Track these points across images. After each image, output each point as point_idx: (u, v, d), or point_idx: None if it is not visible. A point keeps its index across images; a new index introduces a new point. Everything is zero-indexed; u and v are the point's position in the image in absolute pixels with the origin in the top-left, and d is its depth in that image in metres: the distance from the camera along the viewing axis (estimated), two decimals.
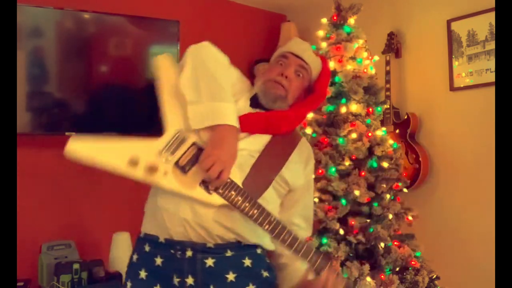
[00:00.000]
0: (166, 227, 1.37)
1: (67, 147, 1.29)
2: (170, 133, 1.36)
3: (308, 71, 1.58)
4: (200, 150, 1.34)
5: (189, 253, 1.36)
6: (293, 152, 1.51)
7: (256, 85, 1.55)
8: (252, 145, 1.44)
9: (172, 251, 1.37)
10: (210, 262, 1.36)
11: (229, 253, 1.39)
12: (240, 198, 1.31)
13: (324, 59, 1.65)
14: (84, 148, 1.32)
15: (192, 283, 1.36)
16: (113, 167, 1.30)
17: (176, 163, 1.33)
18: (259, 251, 1.45)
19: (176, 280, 1.37)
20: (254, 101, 1.52)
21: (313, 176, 1.63)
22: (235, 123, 1.34)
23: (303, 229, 1.57)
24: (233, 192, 1.31)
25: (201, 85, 1.36)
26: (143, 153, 1.31)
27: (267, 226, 1.31)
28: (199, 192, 1.31)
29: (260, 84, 1.53)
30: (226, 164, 1.29)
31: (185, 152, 1.34)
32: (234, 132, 1.34)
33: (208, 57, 1.43)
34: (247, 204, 1.31)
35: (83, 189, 3.03)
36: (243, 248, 1.41)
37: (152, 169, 1.29)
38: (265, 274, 1.45)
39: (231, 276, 1.37)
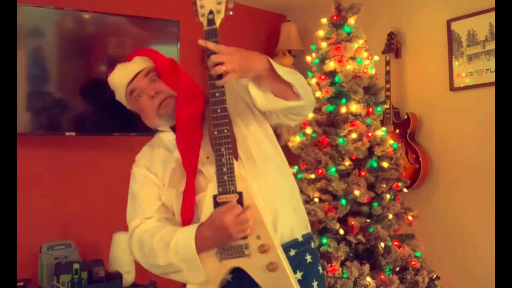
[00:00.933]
0: None
1: None
2: None
3: (149, 69, 1.56)
4: None
5: None
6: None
7: (159, 126, 1.55)
8: (204, 153, 1.46)
9: None
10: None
11: (292, 252, 1.45)
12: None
13: (135, 52, 1.62)
14: None
15: None
16: None
17: None
18: (312, 245, 1.54)
19: None
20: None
21: None
22: (192, 239, 1.35)
23: None
24: None
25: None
26: None
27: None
28: None
29: (157, 122, 1.53)
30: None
31: None
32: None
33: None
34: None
35: (83, 189, 3.03)
36: (301, 244, 1.48)
37: None
38: (320, 270, 1.54)
39: (298, 275, 1.43)
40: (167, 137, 1.55)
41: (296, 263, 1.43)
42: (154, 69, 1.57)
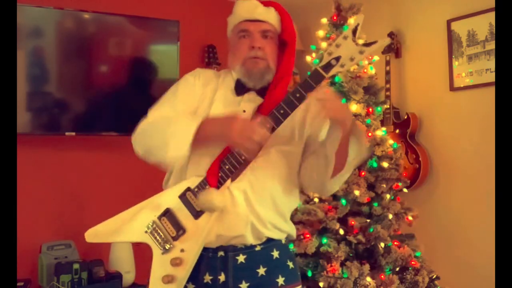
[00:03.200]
0: None
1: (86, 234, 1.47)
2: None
3: (271, 28, 1.52)
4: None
5: (220, 253, 1.41)
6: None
7: (235, 70, 1.51)
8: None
9: (203, 252, 1.40)
10: (241, 258, 1.41)
11: (258, 248, 1.43)
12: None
13: (276, 4, 1.57)
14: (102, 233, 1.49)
15: (224, 280, 1.39)
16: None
17: None
18: (283, 241, 1.50)
19: (208, 278, 1.40)
20: (239, 87, 1.50)
21: None
22: (197, 122, 1.36)
23: None
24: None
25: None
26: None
27: None
28: None
29: (238, 68, 1.49)
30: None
31: None
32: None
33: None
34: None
35: (83, 189, 3.03)
36: (270, 240, 1.46)
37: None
38: (291, 265, 1.49)
39: (261, 271, 1.42)
40: (226, 82, 1.53)
41: (260, 258, 1.43)
42: (277, 33, 1.54)
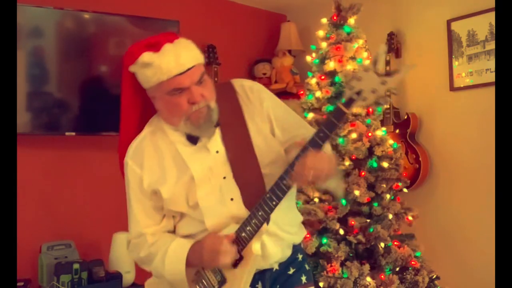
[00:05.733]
0: None
1: None
2: None
3: (202, 68, 1.40)
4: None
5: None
6: (242, 111, 1.46)
7: (178, 128, 1.42)
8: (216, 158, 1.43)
9: None
10: (275, 266, 1.52)
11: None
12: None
13: (174, 35, 1.47)
14: None
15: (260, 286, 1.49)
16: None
17: None
18: (302, 244, 1.66)
19: None
20: (191, 138, 1.43)
21: (268, 97, 1.52)
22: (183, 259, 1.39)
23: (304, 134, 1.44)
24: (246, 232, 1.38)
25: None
26: None
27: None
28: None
29: (182, 125, 1.39)
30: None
31: None
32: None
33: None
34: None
35: (83, 189, 3.03)
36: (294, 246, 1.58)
37: None
38: (307, 266, 1.63)
39: (291, 271, 1.55)
40: (175, 137, 1.45)
41: (290, 263, 1.55)
42: (204, 66, 1.42)
